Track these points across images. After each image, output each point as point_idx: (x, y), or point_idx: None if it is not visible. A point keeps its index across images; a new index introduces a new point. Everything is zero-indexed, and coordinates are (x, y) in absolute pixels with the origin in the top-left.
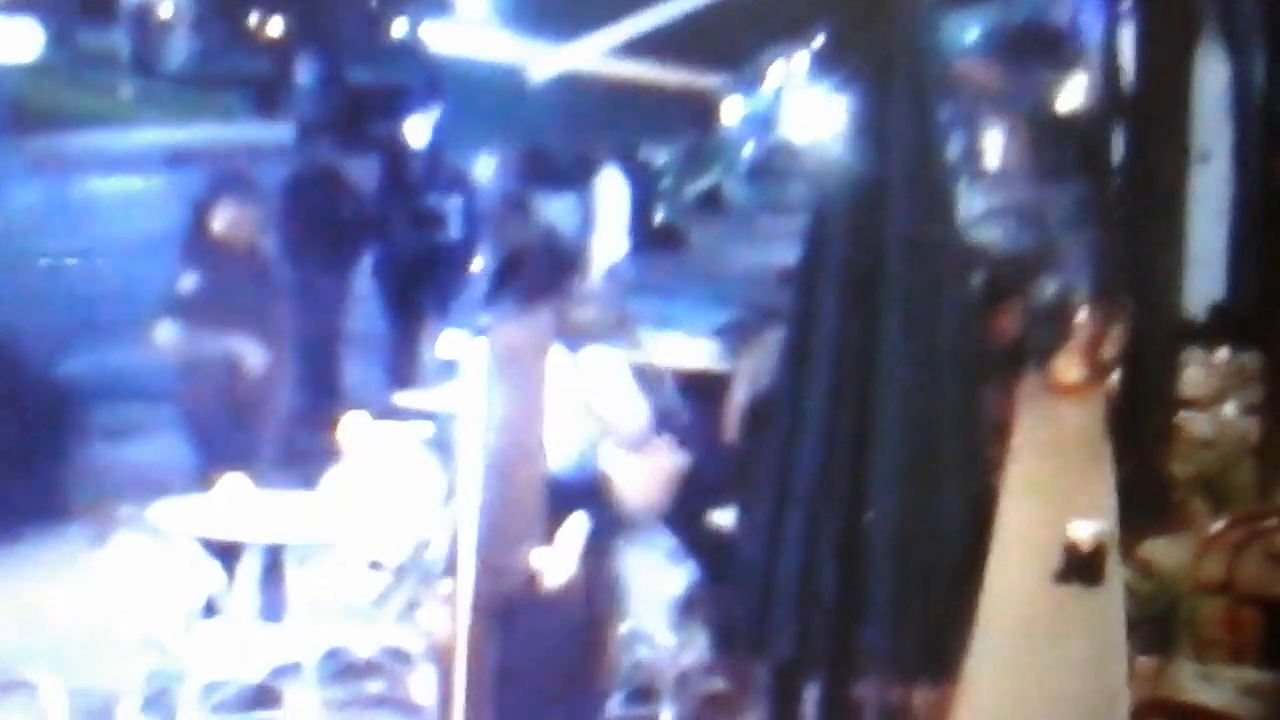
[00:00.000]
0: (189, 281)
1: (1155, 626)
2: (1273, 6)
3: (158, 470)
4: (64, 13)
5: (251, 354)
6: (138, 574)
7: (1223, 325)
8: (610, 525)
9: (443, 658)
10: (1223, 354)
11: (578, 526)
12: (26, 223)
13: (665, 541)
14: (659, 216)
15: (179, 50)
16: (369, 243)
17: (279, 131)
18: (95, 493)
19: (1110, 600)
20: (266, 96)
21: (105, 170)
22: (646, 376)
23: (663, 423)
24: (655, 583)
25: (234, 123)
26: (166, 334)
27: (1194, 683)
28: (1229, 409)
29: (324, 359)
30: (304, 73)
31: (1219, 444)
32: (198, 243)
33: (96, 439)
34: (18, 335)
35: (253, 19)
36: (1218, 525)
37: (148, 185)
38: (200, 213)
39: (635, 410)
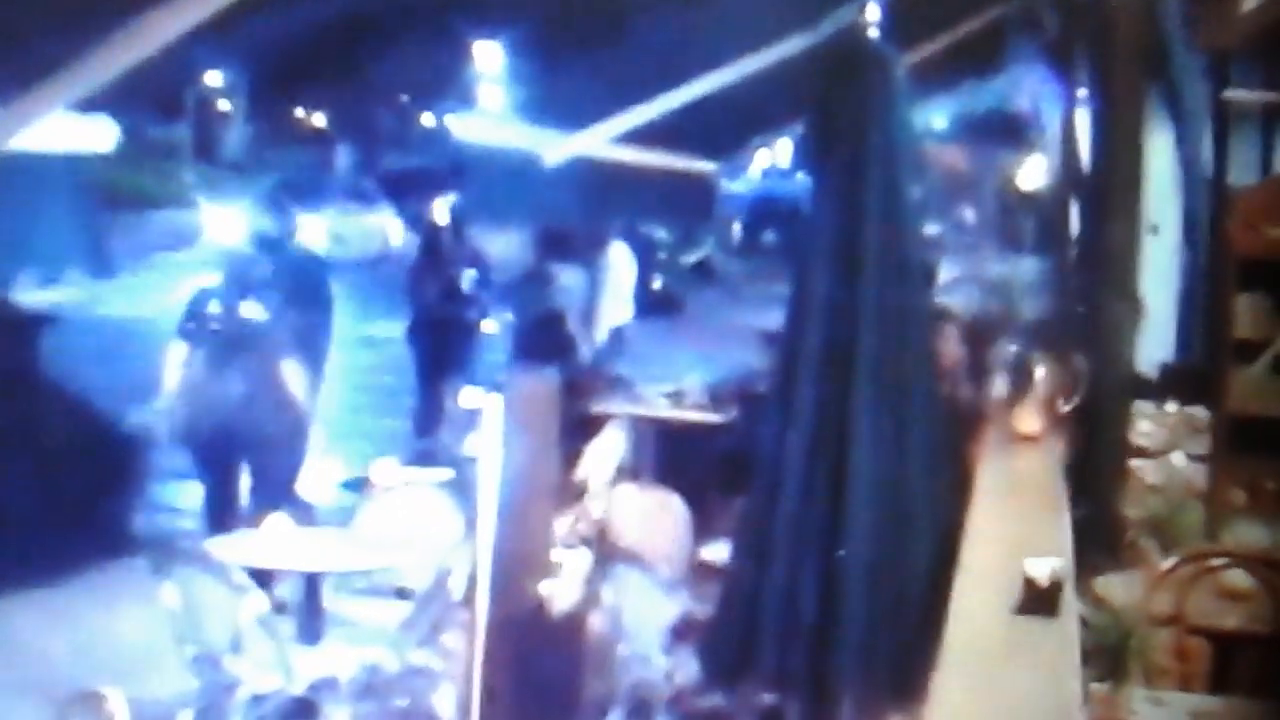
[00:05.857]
0: None
1: (1108, 655)
2: (1216, 91)
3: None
4: (135, 110)
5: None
6: (195, 599)
7: (1172, 382)
8: (610, 559)
9: (462, 675)
10: (1171, 408)
11: (581, 560)
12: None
13: (660, 574)
14: (658, 285)
15: (234, 141)
16: (404, 308)
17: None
18: (160, 528)
19: (1066, 631)
20: (310, 181)
21: (174, 244)
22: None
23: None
24: (651, 610)
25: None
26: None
27: (1144, 707)
28: (1177, 458)
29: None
30: (344, 159)
31: (1167, 489)
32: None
33: (162, 481)
34: (94, 390)
35: (299, 113)
36: (1167, 563)
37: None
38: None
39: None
